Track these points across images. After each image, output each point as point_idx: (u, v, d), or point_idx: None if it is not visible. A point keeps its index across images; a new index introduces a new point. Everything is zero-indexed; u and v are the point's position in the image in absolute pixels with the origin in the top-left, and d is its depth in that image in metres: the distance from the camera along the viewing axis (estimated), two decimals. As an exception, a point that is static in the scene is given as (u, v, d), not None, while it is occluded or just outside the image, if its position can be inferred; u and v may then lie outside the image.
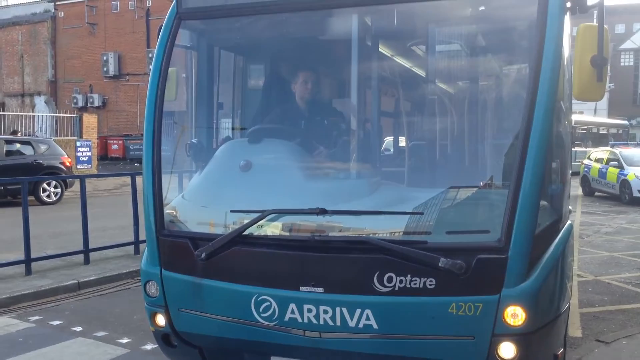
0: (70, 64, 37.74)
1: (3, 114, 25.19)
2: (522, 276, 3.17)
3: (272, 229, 3.61)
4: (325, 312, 3.37)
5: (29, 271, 8.16)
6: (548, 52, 3.27)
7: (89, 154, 23.83)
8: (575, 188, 10.74)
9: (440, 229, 3.41)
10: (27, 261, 8.19)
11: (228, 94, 4.99)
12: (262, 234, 3.59)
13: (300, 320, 3.42)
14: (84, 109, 34.76)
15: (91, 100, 36.53)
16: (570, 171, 4.87)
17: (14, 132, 22.03)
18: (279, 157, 4.07)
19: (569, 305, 4.04)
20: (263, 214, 3.52)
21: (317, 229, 3.53)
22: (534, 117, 3.23)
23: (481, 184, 3.66)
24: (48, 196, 17.05)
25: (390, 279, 3.26)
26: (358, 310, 3.31)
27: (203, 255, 3.59)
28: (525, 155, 3.22)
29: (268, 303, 3.50)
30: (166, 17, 4.08)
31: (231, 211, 3.76)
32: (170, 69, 4.05)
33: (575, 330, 5.87)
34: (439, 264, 3.13)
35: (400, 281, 3.25)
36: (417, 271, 3.22)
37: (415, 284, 3.22)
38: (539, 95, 3.25)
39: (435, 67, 4.48)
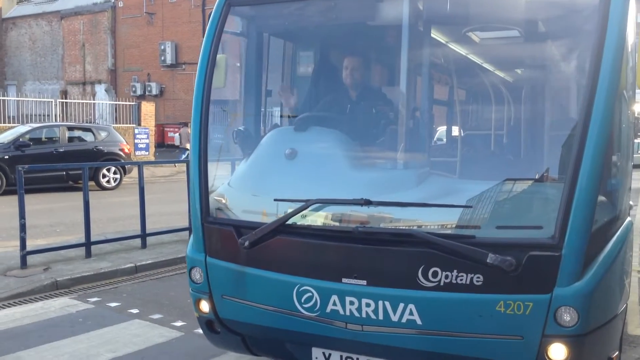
0: (129, 52, 38.62)
1: (66, 102, 26.11)
2: (576, 275, 3.03)
3: (316, 218, 3.57)
4: (368, 305, 3.31)
5: (88, 254, 8.46)
6: (610, 38, 3.12)
7: (147, 141, 24.42)
8: (637, 181, 10.31)
9: (489, 223, 3.28)
10: (87, 244, 8.49)
11: (276, 81, 4.94)
12: (306, 223, 3.56)
13: (342, 312, 3.38)
14: (142, 97, 35.53)
15: (149, 88, 37.31)
16: (632, 164, 4.66)
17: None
18: (325, 145, 4.02)
19: (627, 305, 3.86)
20: (306, 204, 3.49)
21: (361, 220, 3.46)
22: (593, 107, 3.07)
23: (535, 176, 3.53)
24: (107, 182, 17.61)
25: (435, 274, 3.17)
26: (401, 305, 3.25)
27: (246, 243, 3.60)
28: (583, 147, 3.06)
29: (310, 294, 3.47)
30: (215, 3, 4.09)
31: (275, 200, 3.74)
32: (219, 56, 4.04)
33: (635, 328, 5.66)
34: (487, 260, 3.02)
35: (446, 276, 3.15)
36: (463, 267, 3.11)
37: (461, 280, 3.13)
38: (599, 84, 3.09)
39: (490, 54, 4.35)
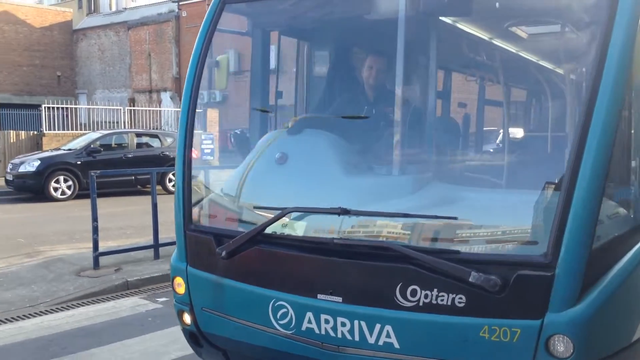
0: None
1: (134, 109, 27.00)
2: (571, 299, 2.64)
3: (293, 229, 3.31)
4: (343, 324, 3.02)
5: (157, 255, 8.71)
6: (619, 26, 2.70)
7: (212, 146, 24.80)
8: None
9: (477, 237, 2.94)
10: (156, 246, 8.73)
11: (272, 81, 4.68)
12: (283, 233, 3.30)
13: (317, 331, 3.10)
14: (206, 104, 36.31)
15: (213, 95, 38.16)
16: None
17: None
18: (316, 149, 3.72)
19: None
20: (282, 212, 3.24)
21: (338, 231, 3.17)
22: (596, 101, 2.67)
23: (534, 184, 3.14)
24: (174, 186, 18.01)
25: (414, 293, 2.85)
26: (378, 326, 2.93)
27: (224, 253, 3.37)
28: (583, 149, 2.65)
29: (285, 310, 3.21)
30: (212, 2, 3.91)
31: (254, 207, 3.55)
32: (220, 57, 3.92)
33: None
34: (470, 279, 2.68)
35: (426, 296, 2.82)
36: (445, 285, 2.77)
37: (442, 300, 2.79)
38: (603, 79, 2.68)
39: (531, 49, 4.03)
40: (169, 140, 18.78)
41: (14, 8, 35.43)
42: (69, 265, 8.42)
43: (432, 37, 3.69)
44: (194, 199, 3.80)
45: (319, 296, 3.07)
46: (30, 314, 6.59)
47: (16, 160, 17.23)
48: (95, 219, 8.02)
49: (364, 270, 3.00)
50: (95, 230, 8.06)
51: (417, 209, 3.14)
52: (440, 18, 3.70)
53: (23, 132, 22.52)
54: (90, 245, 8.31)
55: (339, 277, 3.06)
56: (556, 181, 2.86)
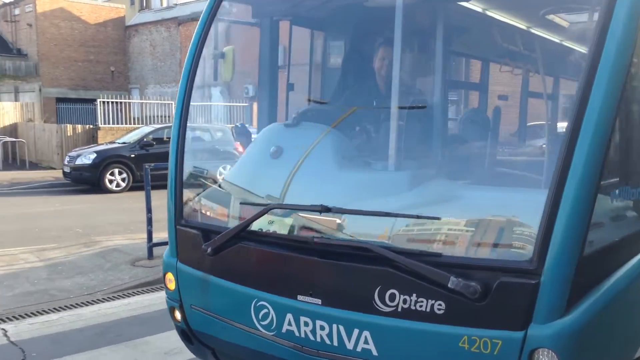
0: (241, 55, 39.91)
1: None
2: (558, 309, 2.41)
3: (278, 226, 3.20)
4: (322, 328, 2.88)
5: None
6: (618, 14, 2.45)
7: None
8: None
9: (464, 239, 2.74)
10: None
11: (270, 72, 4.55)
12: (266, 231, 3.19)
13: (297, 334, 2.98)
14: (254, 98, 36.65)
15: (246, 90, 38.39)
16: None
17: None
18: (312, 143, 3.56)
19: None
20: (264, 209, 3.13)
21: (320, 229, 3.03)
22: (591, 90, 2.41)
23: (525, 182, 2.97)
24: (223, 179, 18.32)
25: (392, 297, 2.68)
26: (356, 331, 2.78)
27: (209, 249, 3.27)
28: (575, 142, 2.40)
29: (266, 310, 3.09)
30: None
31: (241, 203, 3.46)
32: (226, 48, 3.80)
33: None
34: (449, 284, 2.50)
35: (404, 301, 2.65)
36: (424, 290, 2.60)
37: (421, 307, 2.61)
38: (600, 64, 2.41)
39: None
40: (219, 134, 19.03)
41: (69, 5, 36.53)
42: (124, 255, 8.68)
43: (442, 23, 3.52)
44: (186, 194, 3.72)
45: (299, 297, 2.95)
46: (88, 302, 6.83)
47: (73, 153, 17.81)
48: (149, 210, 8.23)
49: (343, 272, 2.86)
50: (149, 221, 8.27)
51: (408, 206, 2.95)
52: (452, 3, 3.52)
53: (79, 125, 23.26)
54: (145, 236, 8.54)
55: (318, 278, 2.93)
56: (545, 178, 2.64)
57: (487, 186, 3.16)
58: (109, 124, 22.61)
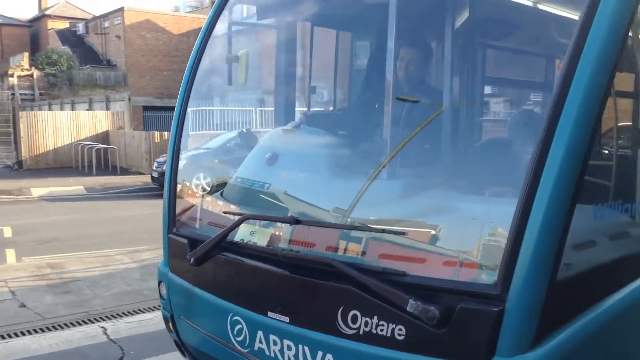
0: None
1: (263, 110, 28.04)
2: (525, 342, 2.10)
3: (257, 237, 3.05)
4: (289, 348, 2.72)
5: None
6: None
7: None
8: None
9: (430, 258, 2.47)
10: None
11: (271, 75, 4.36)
12: (243, 242, 3.05)
13: (267, 352, 2.82)
14: (328, 102, 36.90)
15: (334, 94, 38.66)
16: None
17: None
18: (308, 150, 3.46)
19: None
20: (238, 219, 3.01)
21: (293, 242, 2.86)
22: (571, 83, 2.09)
23: (497, 191, 2.60)
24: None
25: (355, 319, 2.47)
26: (320, 353, 2.59)
27: (192, 260, 3.16)
28: (549, 145, 2.07)
29: (240, 326, 2.96)
30: None
31: (223, 212, 3.37)
32: (241, 52, 3.69)
33: None
34: (407, 308, 2.25)
35: (366, 323, 2.43)
36: (385, 313, 2.36)
37: (382, 330, 2.38)
38: (584, 51, 2.11)
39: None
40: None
41: (155, 17, 38.18)
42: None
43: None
44: (179, 202, 3.66)
45: (269, 314, 2.81)
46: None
47: (161, 159, 18.57)
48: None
49: (308, 288, 2.69)
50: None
51: (393, 217, 2.75)
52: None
53: (166, 132, 24.21)
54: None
55: (286, 293, 2.79)
56: (514, 189, 2.23)
57: (478, 196, 2.72)
58: (193, 130, 23.31)
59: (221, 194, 3.65)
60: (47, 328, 6.21)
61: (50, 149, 25.12)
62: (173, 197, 3.63)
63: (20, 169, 24.28)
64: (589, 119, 2.12)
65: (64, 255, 9.60)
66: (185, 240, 3.40)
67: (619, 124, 2.55)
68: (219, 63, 4.04)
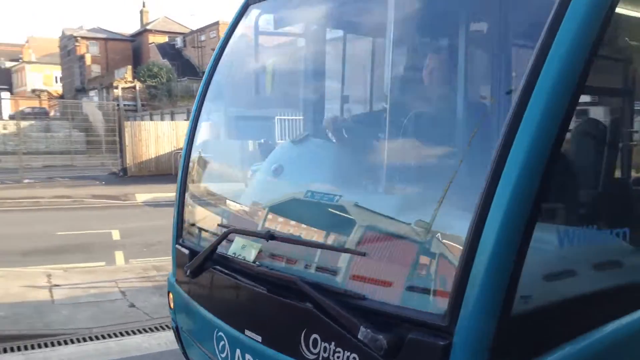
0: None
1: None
2: None
3: (246, 251, 2.92)
4: None
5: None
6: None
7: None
8: None
9: (399, 279, 2.27)
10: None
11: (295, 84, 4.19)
12: (234, 256, 2.92)
13: None
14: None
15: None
16: None
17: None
18: (312, 161, 3.38)
19: None
20: (224, 233, 2.95)
21: (269, 257, 2.78)
22: (532, 91, 1.88)
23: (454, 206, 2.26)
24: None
25: (315, 343, 2.34)
26: None
27: (188, 271, 3.13)
28: (506, 153, 1.85)
29: (223, 342, 2.91)
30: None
31: (218, 225, 3.34)
32: (268, 62, 3.66)
33: None
34: (358, 335, 2.10)
35: (325, 349, 2.29)
36: (342, 339, 2.21)
37: (338, 358, 2.24)
38: (550, 54, 1.89)
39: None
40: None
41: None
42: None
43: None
44: (187, 213, 3.65)
45: (246, 332, 2.73)
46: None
47: (254, 167, 19.06)
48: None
49: (277, 308, 2.58)
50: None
51: (378, 233, 2.54)
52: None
53: (257, 141, 24.87)
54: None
55: (260, 311, 2.70)
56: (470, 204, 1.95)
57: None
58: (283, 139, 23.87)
59: (221, 206, 3.67)
60: (156, 328, 6.58)
61: (152, 157, 26.50)
62: (181, 207, 3.64)
63: (124, 175, 25.80)
64: (549, 136, 1.90)
65: (168, 259, 10.05)
66: (187, 251, 3.40)
67: (586, 139, 2.33)
68: (238, 73, 4.02)
